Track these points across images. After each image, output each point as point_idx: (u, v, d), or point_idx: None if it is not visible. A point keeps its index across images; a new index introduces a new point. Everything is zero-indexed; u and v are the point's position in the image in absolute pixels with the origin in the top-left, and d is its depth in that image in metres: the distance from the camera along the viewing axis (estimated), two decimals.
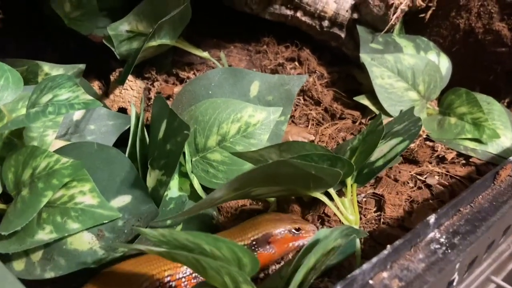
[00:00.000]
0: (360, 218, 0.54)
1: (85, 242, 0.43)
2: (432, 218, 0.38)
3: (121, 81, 0.60)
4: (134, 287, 0.39)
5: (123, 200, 0.45)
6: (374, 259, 0.34)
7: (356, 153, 0.51)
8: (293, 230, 0.47)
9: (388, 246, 0.35)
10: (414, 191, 0.58)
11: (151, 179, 0.46)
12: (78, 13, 0.68)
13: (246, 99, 0.58)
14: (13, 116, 0.52)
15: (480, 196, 0.43)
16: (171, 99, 0.66)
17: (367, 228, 0.53)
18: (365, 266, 0.33)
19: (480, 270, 0.49)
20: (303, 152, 0.45)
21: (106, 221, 0.43)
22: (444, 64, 0.72)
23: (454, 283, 0.37)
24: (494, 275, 0.51)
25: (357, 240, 0.46)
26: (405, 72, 0.69)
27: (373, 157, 0.50)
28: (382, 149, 0.50)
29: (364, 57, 0.68)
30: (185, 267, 0.42)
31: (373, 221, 0.54)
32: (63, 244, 0.43)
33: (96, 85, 0.65)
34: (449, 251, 0.36)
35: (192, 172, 0.54)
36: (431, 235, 0.38)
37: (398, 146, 0.48)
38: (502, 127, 0.65)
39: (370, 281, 0.33)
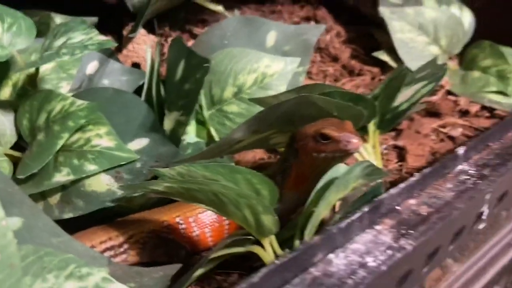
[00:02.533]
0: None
1: (103, 184, 0.42)
2: (461, 150, 0.37)
3: (133, 30, 0.59)
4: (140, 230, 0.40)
5: (141, 143, 0.44)
6: (402, 185, 0.32)
7: (378, 99, 0.49)
8: (318, 137, 0.35)
9: (416, 173, 0.34)
10: (436, 143, 0.56)
11: (169, 121, 0.45)
12: None
13: (263, 49, 0.57)
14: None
15: (510, 133, 0.41)
16: None
17: (389, 178, 0.52)
18: (392, 190, 0.32)
19: None
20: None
21: (124, 163, 0.43)
22: (466, 18, 0.69)
23: (484, 216, 0.36)
24: None
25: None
26: (426, 26, 0.67)
27: (396, 102, 0.49)
28: (406, 93, 0.48)
29: (383, 10, 0.66)
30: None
31: (395, 171, 0.53)
32: (81, 187, 0.43)
33: None
34: (479, 181, 0.35)
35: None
36: (460, 167, 0.37)
37: (423, 89, 0.47)
38: None
39: (397, 207, 0.32)
